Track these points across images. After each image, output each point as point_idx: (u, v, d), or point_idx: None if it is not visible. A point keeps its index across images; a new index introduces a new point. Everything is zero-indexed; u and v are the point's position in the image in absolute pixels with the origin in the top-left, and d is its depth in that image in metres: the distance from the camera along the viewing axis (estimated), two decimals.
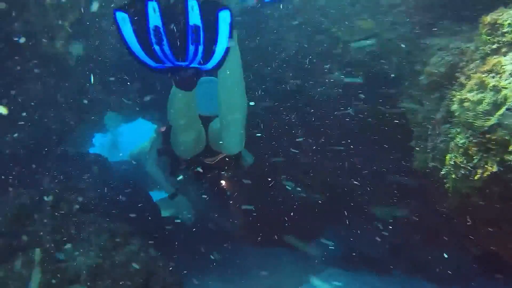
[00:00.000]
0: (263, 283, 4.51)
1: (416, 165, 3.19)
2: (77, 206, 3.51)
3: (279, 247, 6.22)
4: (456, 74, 2.50)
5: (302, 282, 4.23)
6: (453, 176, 2.31)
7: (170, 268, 3.63)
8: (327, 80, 4.34)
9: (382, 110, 3.92)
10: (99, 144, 13.54)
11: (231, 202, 6.56)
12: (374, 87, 4.04)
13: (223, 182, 5.32)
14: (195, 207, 4.94)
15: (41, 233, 3.08)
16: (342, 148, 4.76)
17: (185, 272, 4.48)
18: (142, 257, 3.43)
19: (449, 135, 2.46)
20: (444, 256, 4.98)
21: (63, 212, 3.37)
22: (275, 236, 6.27)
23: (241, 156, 3.63)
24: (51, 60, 4.14)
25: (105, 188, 4.43)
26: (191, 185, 6.05)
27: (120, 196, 4.73)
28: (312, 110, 4.83)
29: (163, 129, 3.75)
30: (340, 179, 5.11)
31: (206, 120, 3.06)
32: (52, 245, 3.07)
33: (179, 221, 5.25)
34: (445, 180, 2.47)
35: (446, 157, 2.41)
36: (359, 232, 5.97)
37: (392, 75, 3.80)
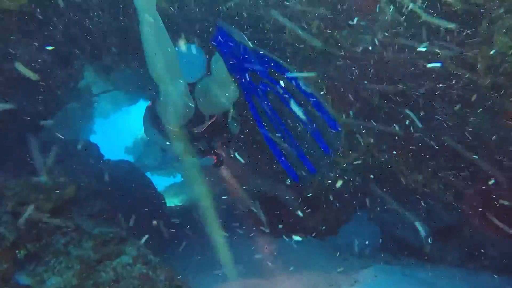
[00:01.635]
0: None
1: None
2: (49, 205, 2.61)
3: (302, 237, 5.38)
4: None
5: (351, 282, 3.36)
6: None
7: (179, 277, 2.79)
8: None
9: None
10: (100, 130, 12.80)
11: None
12: None
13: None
14: None
15: None
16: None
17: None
18: (138, 272, 2.56)
19: None
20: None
21: (30, 214, 2.47)
22: (296, 225, 5.44)
23: (228, 120, 3.60)
24: None
25: (92, 180, 3.51)
26: None
27: (113, 188, 3.83)
28: None
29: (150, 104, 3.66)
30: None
31: (191, 87, 3.02)
32: (11, 264, 2.21)
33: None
34: None
35: None
36: (398, 216, 5.11)
37: None
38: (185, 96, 2.88)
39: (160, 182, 15.58)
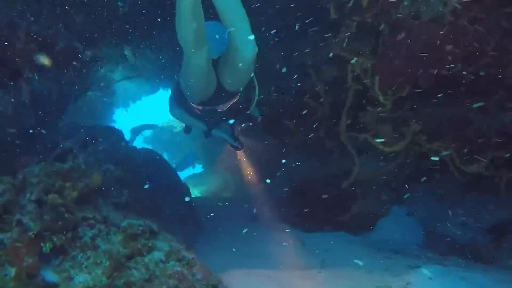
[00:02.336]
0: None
1: None
2: (75, 194, 2.36)
3: (332, 232, 5.05)
4: None
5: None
6: None
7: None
8: None
9: None
10: (119, 120, 12.67)
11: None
12: None
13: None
14: None
15: (18, 243, 1.96)
16: None
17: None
18: (172, 269, 2.29)
19: None
20: None
21: (56, 202, 2.22)
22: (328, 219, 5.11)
23: (251, 104, 3.64)
24: None
25: (118, 167, 3.25)
26: None
27: (138, 179, 3.57)
28: None
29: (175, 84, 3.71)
30: None
31: (214, 63, 3.06)
32: (36, 258, 1.97)
33: None
34: None
35: None
36: (443, 211, 4.72)
37: None
38: (207, 65, 2.87)
39: (181, 173, 15.49)
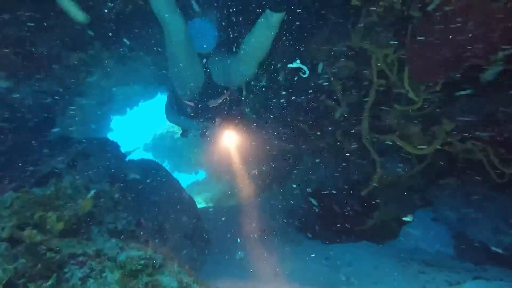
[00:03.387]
0: None
1: None
2: (60, 226, 1.93)
3: (354, 242, 4.61)
4: None
5: None
6: None
7: None
8: None
9: None
10: (117, 128, 12.23)
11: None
12: None
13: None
14: None
15: None
16: None
17: None
18: None
19: None
20: None
21: (34, 239, 1.80)
22: (345, 225, 4.67)
23: (242, 101, 3.78)
24: None
25: (113, 184, 2.81)
26: None
27: (138, 198, 3.13)
28: None
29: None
30: None
31: (200, 56, 3.21)
32: None
33: None
34: None
35: None
36: (474, 216, 4.29)
37: None
38: (187, 41, 2.95)
39: (182, 179, 15.04)
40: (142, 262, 2.13)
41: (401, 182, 4.12)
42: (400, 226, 4.60)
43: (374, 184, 3.87)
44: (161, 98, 11.40)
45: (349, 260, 4.03)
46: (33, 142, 2.77)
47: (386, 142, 3.70)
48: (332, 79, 3.63)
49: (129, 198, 3.03)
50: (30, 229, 1.84)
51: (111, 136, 12.56)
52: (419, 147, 3.35)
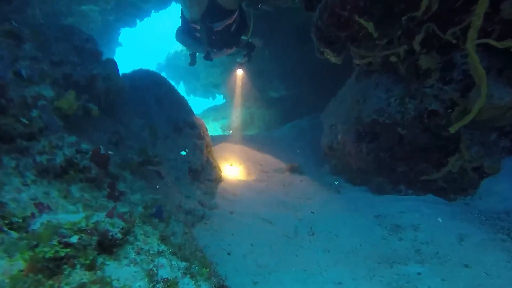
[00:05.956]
0: None
1: None
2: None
3: (415, 194, 3.48)
4: None
5: None
6: None
7: None
8: None
9: None
10: (126, 42, 10.86)
11: None
12: None
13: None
14: None
15: None
16: None
17: None
18: None
19: None
20: None
21: None
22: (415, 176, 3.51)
23: (249, 26, 3.96)
24: None
25: None
26: None
27: None
28: None
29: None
30: None
31: None
32: None
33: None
34: None
35: None
36: None
37: None
38: None
39: (199, 104, 13.94)
40: (76, 237, 1.05)
41: (506, 117, 2.82)
42: (481, 178, 3.37)
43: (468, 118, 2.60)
44: (176, 8, 9.85)
45: (414, 221, 2.91)
46: None
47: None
48: None
49: None
50: None
51: (119, 51, 11.28)
52: None
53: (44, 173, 1.36)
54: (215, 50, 4.01)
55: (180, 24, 4.01)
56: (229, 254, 2.40)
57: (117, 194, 1.54)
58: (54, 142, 1.44)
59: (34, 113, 1.47)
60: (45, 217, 1.13)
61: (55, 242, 1.03)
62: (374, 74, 3.93)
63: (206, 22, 3.43)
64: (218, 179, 3.99)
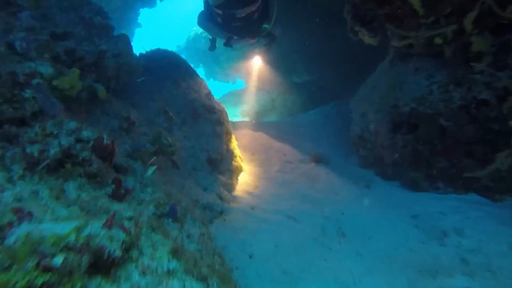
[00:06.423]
0: None
1: None
2: None
3: (455, 193, 3.14)
4: None
5: None
6: None
7: None
8: None
9: None
10: (145, 23, 10.60)
11: None
12: None
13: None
14: None
15: None
16: None
17: None
18: None
19: None
20: None
21: None
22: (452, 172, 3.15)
23: (271, 16, 3.87)
24: None
25: None
26: None
27: None
28: None
29: None
30: None
31: None
32: None
33: None
34: None
35: None
36: None
37: None
38: None
39: (219, 88, 13.65)
40: (60, 258, 0.79)
41: None
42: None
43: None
44: None
45: (457, 224, 2.59)
46: None
47: None
48: None
49: None
50: None
51: (138, 32, 11.02)
52: None
53: (35, 167, 1.13)
54: (235, 37, 4.01)
55: (203, 9, 3.94)
56: (250, 257, 2.15)
57: (123, 192, 1.31)
58: (49, 129, 1.21)
59: (27, 93, 1.25)
60: (24, 228, 0.88)
61: (32, 264, 0.78)
62: (413, 58, 3.55)
63: (228, 7, 3.46)
64: (239, 170, 3.74)
